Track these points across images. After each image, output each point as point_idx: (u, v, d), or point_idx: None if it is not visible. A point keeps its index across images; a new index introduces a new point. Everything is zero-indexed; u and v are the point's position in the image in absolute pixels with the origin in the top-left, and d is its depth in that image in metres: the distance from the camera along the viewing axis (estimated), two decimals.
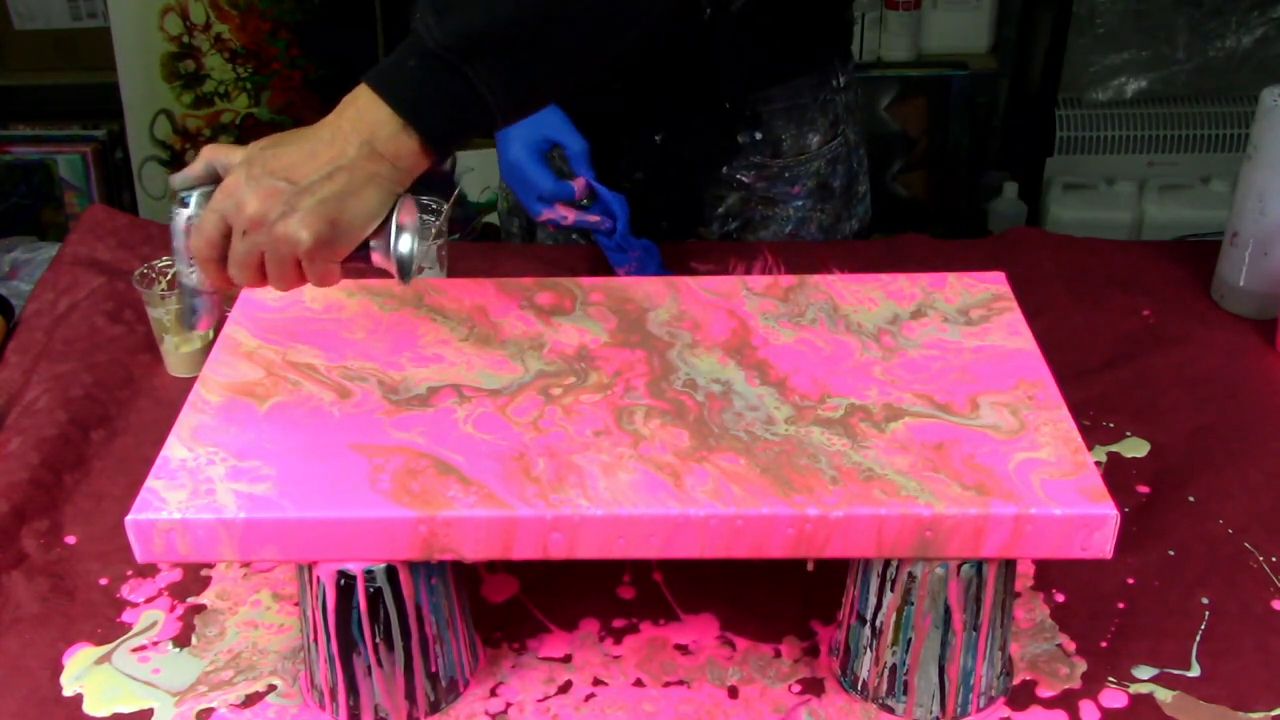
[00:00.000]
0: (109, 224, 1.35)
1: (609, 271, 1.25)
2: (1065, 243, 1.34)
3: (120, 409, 1.11)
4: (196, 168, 0.85)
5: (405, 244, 0.84)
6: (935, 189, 2.55)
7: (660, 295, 0.96)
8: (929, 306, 0.94)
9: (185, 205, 0.84)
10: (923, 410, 0.83)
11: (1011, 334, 0.90)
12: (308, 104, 2.26)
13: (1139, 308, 1.24)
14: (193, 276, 0.86)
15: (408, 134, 0.82)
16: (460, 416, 0.83)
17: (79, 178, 2.32)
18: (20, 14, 2.28)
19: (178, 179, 0.86)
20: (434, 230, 1.21)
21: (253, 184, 0.80)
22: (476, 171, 2.46)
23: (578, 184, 1.17)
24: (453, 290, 0.97)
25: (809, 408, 0.83)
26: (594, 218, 1.18)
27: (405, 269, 0.85)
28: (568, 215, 1.17)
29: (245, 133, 2.24)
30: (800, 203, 1.30)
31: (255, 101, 2.23)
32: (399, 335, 0.91)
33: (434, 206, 1.23)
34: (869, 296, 0.95)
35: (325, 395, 0.85)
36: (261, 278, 0.83)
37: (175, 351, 1.15)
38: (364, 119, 0.82)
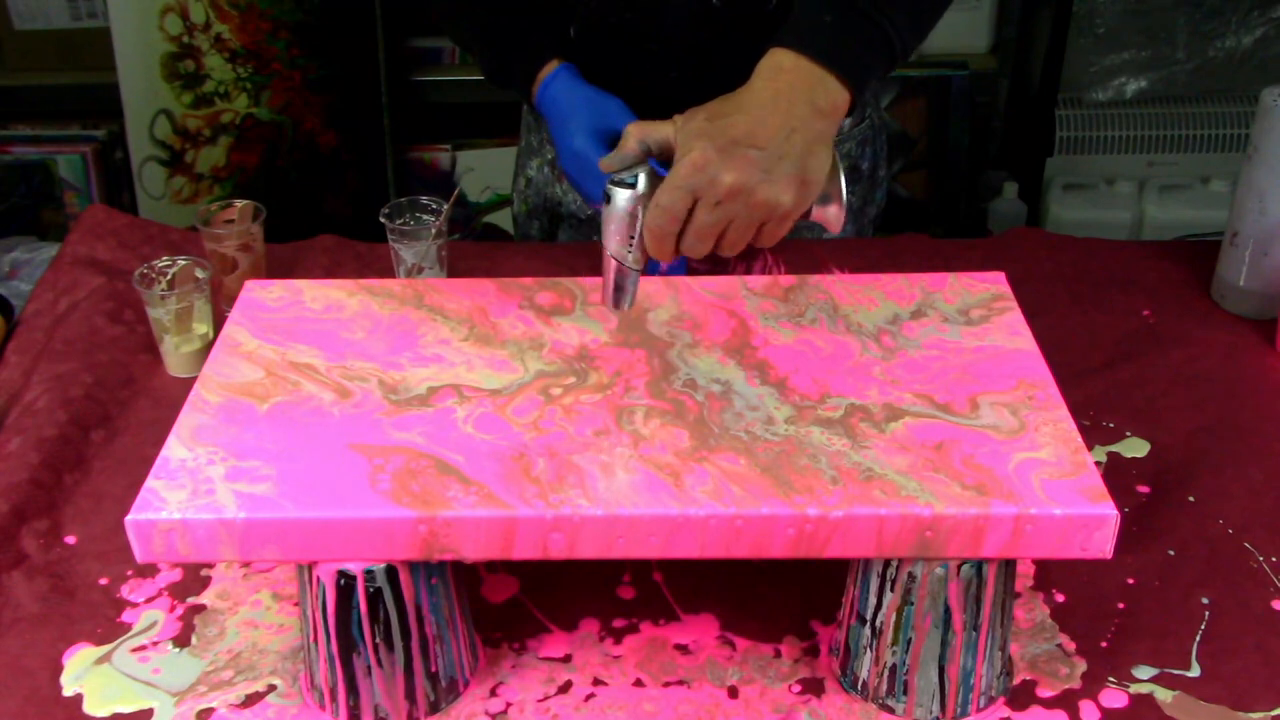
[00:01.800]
0: (109, 224, 1.35)
1: None
2: (1065, 243, 1.34)
3: (120, 409, 1.11)
4: (630, 146, 0.87)
5: (845, 190, 0.88)
6: (935, 189, 2.54)
7: (660, 295, 0.96)
8: (929, 306, 0.94)
9: (630, 186, 0.85)
10: (923, 410, 0.83)
11: (1011, 334, 0.90)
12: (308, 104, 2.26)
13: (1139, 308, 1.24)
14: (630, 256, 0.87)
15: (841, 86, 0.87)
16: (460, 416, 0.83)
17: (79, 178, 2.32)
18: (20, 14, 2.27)
19: (614, 160, 0.88)
20: (434, 230, 1.21)
21: (724, 157, 0.82)
22: (476, 171, 2.46)
23: None
24: (453, 290, 0.97)
25: (809, 408, 0.83)
26: None
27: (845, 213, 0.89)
28: None
29: (245, 133, 2.24)
30: None
31: (255, 101, 2.23)
32: (399, 335, 0.91)
33: (434, 206, 1.23)
34: (869, 296, 0.95)
35: (325, 395, 0.85)
36: (714, 245, 0.86)
37: (175, 351, 1.15)
38: (799, 79, 0.86)
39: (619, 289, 0.89)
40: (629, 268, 0.87)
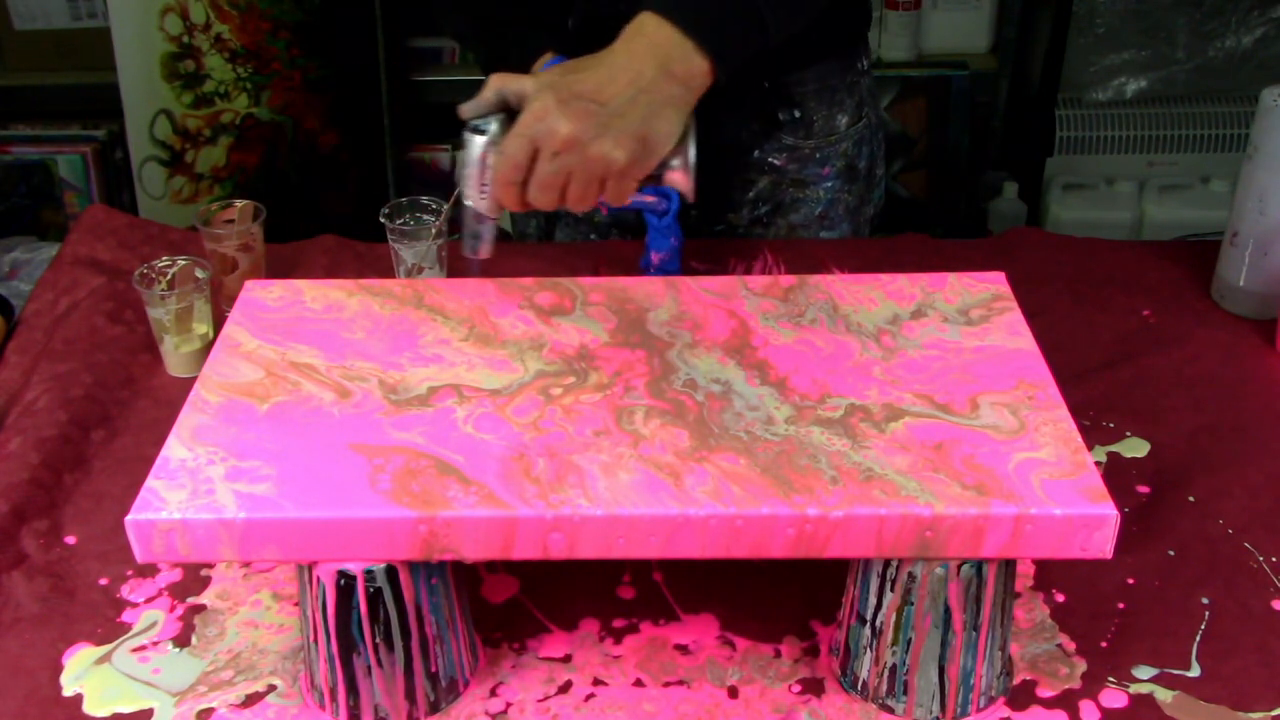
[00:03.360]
0: (109, 224, 1.35)
1: (610, 272, 1.25)
2: (1065, 243, 1.34)
3: (120, 409, 1.11)
4: (487, 95, 0.90)
5: (693, 156, 0.91)
6: (935, 189, 2.54)
7: (660, 295, 0.96)
8: (929, 306, 0.94)
9: (482, 133, 0.89)
10: (923, 410, 0.83)
11: (1011, 334, 0.90)
12: (308, 104, 2.26)
13: (1139, 308, 1.24)
14: (483, 202, 0.91)
15: (699, 55, 0.88)
16: (460, 416, 0.83)
17: (79, 178, 2.32)
18: (20, 14, 2.27)
19: (469, 108, 0.91)
20: (434, 230, 1.21)
21: (563, 108, 0.85)
22: None
23: None
24: (453, 290, 0.97)
25: (809, 408, 0.83)
26: (650, 198, 1.18)
27: (694, 183, 0.92)
28: None
29: (245, 133, 2.24)
30: (830, 184, 1.31)
31: (255, 101, 2.23)
32: (399, 335, 0.91)
33: (434, 206, 1.23)
34: (869, 296, 0.95)
35: (325, 395, 0.85)
36: (559, 199, 0.88)
37: (175, 351, 1.15)
38: (656, 43, 0.88)
39: (474, 235, 0.94)
40: (483, 214, 0.92)
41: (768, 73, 1.25)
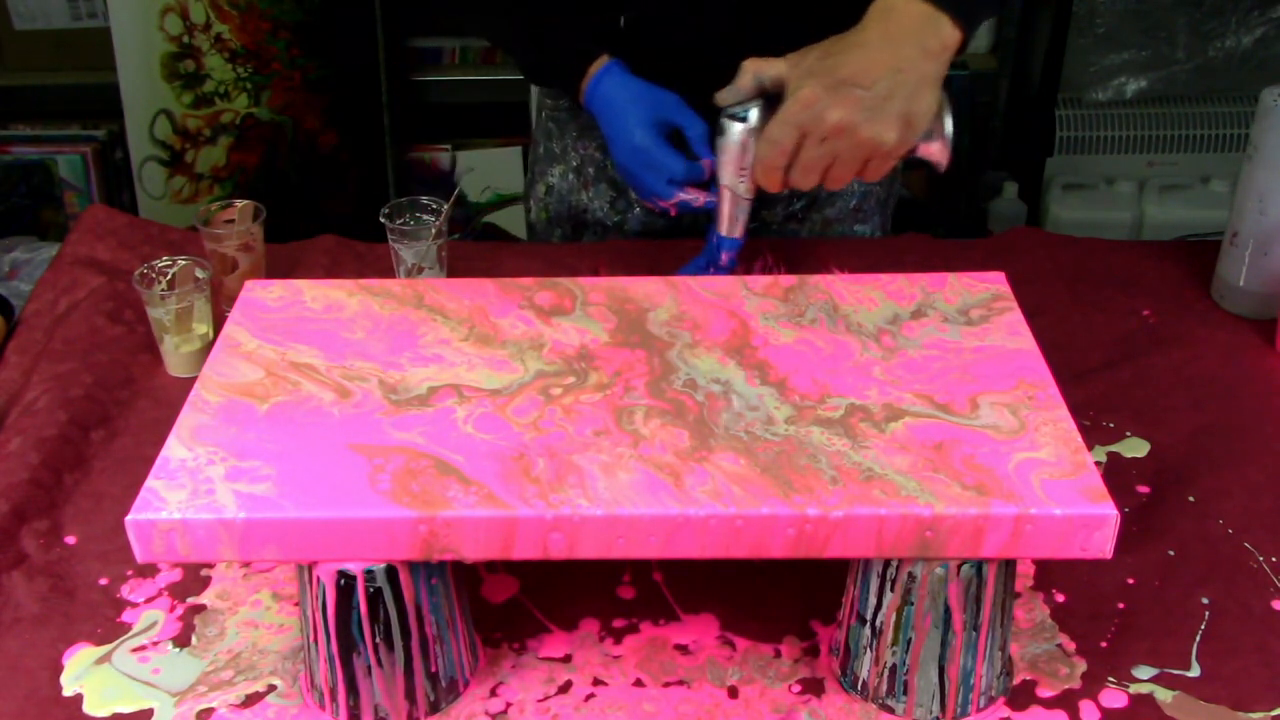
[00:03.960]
0: (109, 224, 1.35)
1: (610, 272, 1.25)
2: (1065, 243, 1.34)
3: (120, 409, 1.11)
4: (745, 82, 0.94)
5: (950, 128, 0.95)
6: (935, 189, 2.54)
7: (660, 295, 0.96)
8: (929, 306, 0.94)
9: (741, 119, 0.96)
10: (923, 410, 0.83)
11: (1011, 334, 0.90)
12: (308, 104, 2.26)
13: (1139, 308, 1.24)
14: (742, 185, 0.99)
15: (952, 26, 0.90)
16: (460, 416, 0.83)
17: (79, 178, 2.32)
18: (20, 14, 2.28)
19: (727, 94, 0.96)
20: (434, 230, 1.21)
21: (831, 94, 0.87)
22: (476, 171, 2.46)
23: (705, 165, 1.12)
24: (453, 290, 0.97)
25: (809, 408, 0.83)
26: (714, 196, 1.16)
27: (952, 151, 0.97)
28: (699, 197, 1.12)
29: (245, 133, 2.24)
30: None
31: (255, 101, 2.23)
32: (399, 335, 0.91)
33: (434, 206, 1.23)
34: (869, 296, 0.95)
35: (325, 395, 0.85)
36: (819, 179, 0.93)
37: (175, 351, 1.15)
38: (909, 21, 0.90)
39: (732, 218, 1.02)
40: (741, 196, 0.99)
41: None
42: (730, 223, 1.03)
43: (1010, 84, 2.50)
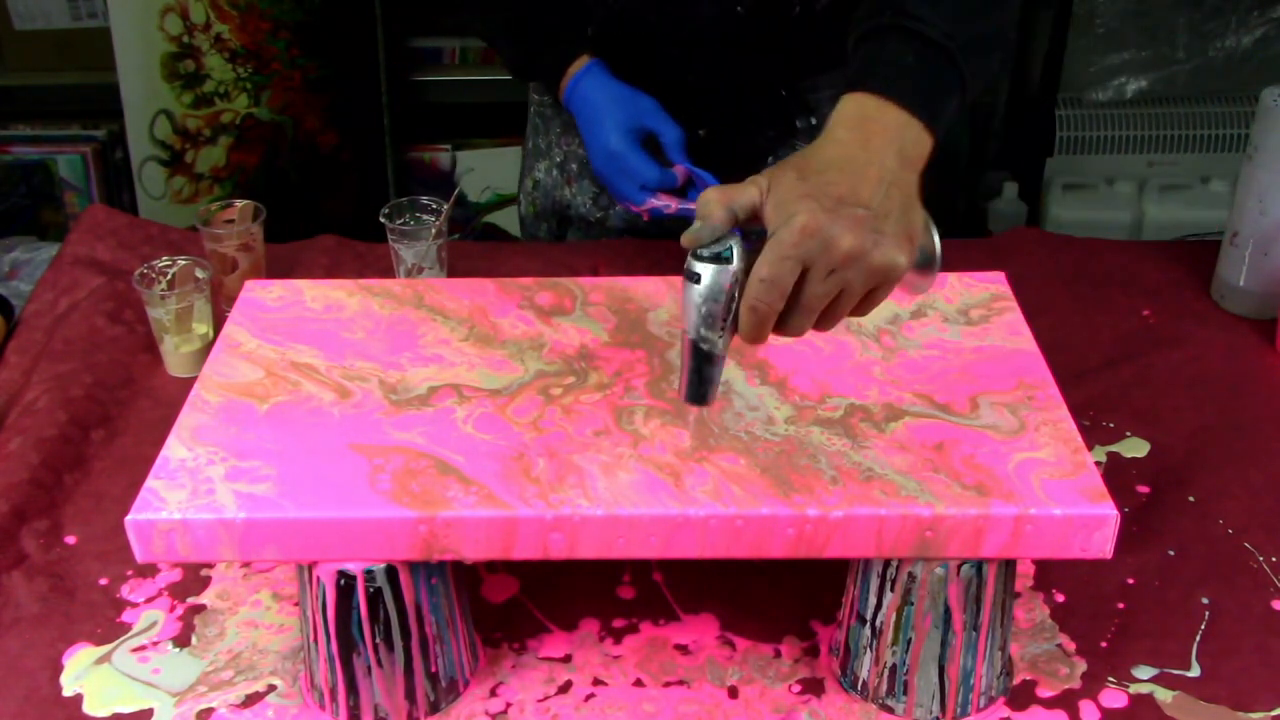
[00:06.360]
0: (109, 224, 1.35)
1: (610, 272, 1.25)
2: (1065, 243, 1.34)
3: (120, 409, 1.11)
4: (718, 215, 0.75)
5: (939, 249, 0.80)
6: (935, 189, 2.54)
7: (660, 295, 0.96)
8: (929, 306, 0.94)
9: (726, 261, 0.73)
10: (923, 410, 0.83)
11: (1011, 334, 0.90)
12: (308, 104, 2.26)
13: (1139, 308, 1.24)
14: (720, 341, 0.74)
15: (927, 133, 0.80)
16: (460, 416, 0.83)
17: (79, 178, 2.32)
18: (20, 14, 2.27)
19: (695, 235, 0.75)
20: (434, 230, 1.21)
21: (834, 218, 0.73)
22: (476, 171, 2.46)
23: (678, 172, 1.13)
24: (453, 290, 0.97)
25: (809, 408, 0.83)
26: (694, 205, 1.15)
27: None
28: (670, 204, 1.11)
29: (245, 133, 2.24)
30: None
31: (255, 101, 2.23)
32: (399, 335, 0.91)
33: (434, 206, 1.23)
34: None
35: (325, 395, 0.85)
36: (813, 321, 0.76)
37: (175, 351, 1.15)
38: (886, 129, 0.79)
39: (706, 380, 0.75)
40: (718, 354, 0.75)
41: (784, 81, 1.25)
42: (704, 388, 0.76)
43: (1010, 84, 2.50)
